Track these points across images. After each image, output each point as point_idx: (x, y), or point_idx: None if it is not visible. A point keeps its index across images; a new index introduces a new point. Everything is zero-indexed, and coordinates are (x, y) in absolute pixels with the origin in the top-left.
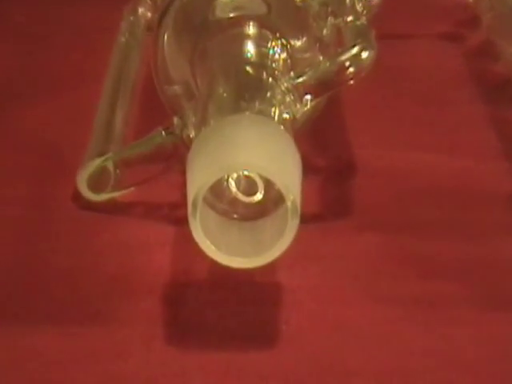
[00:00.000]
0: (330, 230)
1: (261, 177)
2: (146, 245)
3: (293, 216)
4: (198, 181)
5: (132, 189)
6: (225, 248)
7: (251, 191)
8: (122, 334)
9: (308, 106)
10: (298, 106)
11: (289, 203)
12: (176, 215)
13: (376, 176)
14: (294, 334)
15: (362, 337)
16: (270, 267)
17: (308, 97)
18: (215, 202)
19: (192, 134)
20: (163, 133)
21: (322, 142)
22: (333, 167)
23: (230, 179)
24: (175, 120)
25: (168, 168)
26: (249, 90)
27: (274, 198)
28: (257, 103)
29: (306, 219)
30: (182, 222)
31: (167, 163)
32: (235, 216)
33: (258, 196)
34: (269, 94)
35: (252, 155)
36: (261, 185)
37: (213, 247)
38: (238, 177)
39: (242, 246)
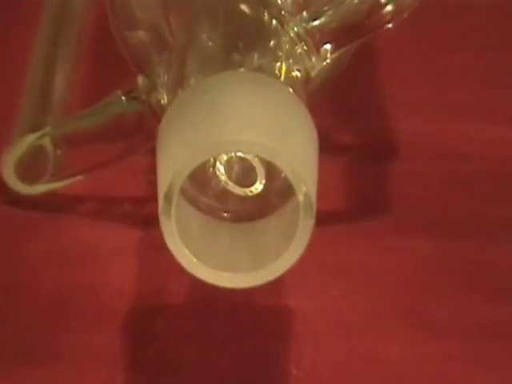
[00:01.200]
0: (357, 234)
1: (261, 160)
2: (100, 255)
3: (306, 215)
4: (173, 166)
5: (79, 177)
6: (211, 260)
7: (248, 181)
8: (65, 378)
9: (327, 60)
10: (314, 59)
11: (301, 197)
12: (141, 214)
13: (422, 158)
14: (308, 381)
15: (402, 382)
16: (275, 286)
17: (327, 47)
18: (197, 195)
19: (164, 100)
20: (123, 98)
21: (347, 112)
22: (362, 147)
23: (218, 164)
24: (140, 80)
25: (130, 148)
26: (244, 37)
27: (279, 190)
28: (255, 56)
29: (324, 219)
30: (149, 223)
31: (129, 141)
32: (225, 215)
33: (257, 187)
34: (272, 43)
35: (248, 130)
36: (261, 171)
37: (193, 258)
38: (230, 160)
39: (234, 256)
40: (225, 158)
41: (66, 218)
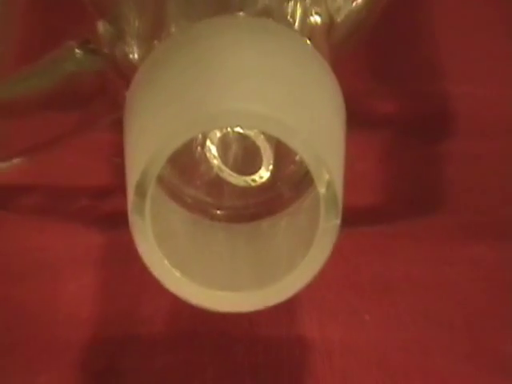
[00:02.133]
0: (398, 239)
1: (268, 139)
2: (49, 267)
3: (329, 213)
4: (147, 146)
5: (20, 161)
6: (200, 274)
7: (249, 167)
8: None
9: (358, 1)
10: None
11: (322, 189)
12: (104, 211)
13: (485, 136)
14: None
15: None
16: (287, 311)
17: None
18: (181, 186)
19: (134, 54)
20: (78, 51)
21: (384, 71)
22: (406, 118)
23: (209, 143)
24: (101, 26)
25: (87, 121)
26: None
27: (291, 180)
28: (260, 3)
29: (353, 218)
30: (114, 223)
31: (86, 111)
32: (219, 213)
33: (263, 175)
34: None
35: (251, 96)
36: (267, 154)
37: (176, 272)
38: (225, 139)
39: (232, 269)
40: (218, 135)
41: (3, 218)
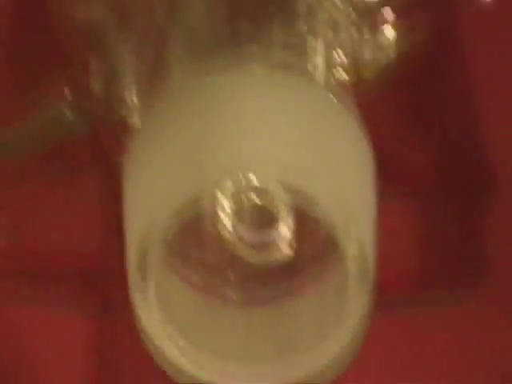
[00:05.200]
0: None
1: (289, 202)
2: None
3: (360, 289)
4: (149, 208)
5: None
6: (212, 349)
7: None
8: None
9: (391, 46)
10: (371, 46)
11: (351, 263)
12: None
13: None
14: None
15: None
16: None
17: (390, 31)
18: (188, 265)
19: (133, 98)
20: (68, 113)
21: (422, 120)
22: (449, 175)
23: (222, 215)
24: (94, 65)
25: (75, 190)
26: (259, 9)
27: (313, 256)
28: (276, 37)
29: (389, 297)
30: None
31: (73, 182)
32: (232, 296)
33: (284, 250)
34: (305, 24)
35: (268, 151)
36: (286, 219)
37: (183, 343)
38: (237, 202)
39: (246, 343)
40: (230, 207)
41: None
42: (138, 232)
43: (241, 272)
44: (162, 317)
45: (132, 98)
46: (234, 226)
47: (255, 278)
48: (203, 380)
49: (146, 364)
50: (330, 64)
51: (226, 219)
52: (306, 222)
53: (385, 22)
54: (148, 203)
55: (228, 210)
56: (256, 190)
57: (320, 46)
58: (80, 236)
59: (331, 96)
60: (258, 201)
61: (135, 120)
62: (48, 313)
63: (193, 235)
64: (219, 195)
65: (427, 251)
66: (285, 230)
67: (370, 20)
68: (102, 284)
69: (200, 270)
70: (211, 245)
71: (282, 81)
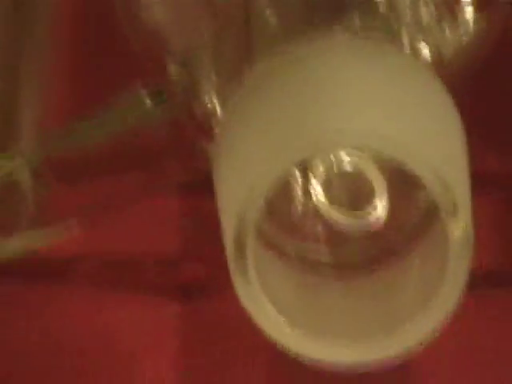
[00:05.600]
0: None
1: (385, 170)
2: (118, 345)
3: (463, 250)
4: (248, 176)
5: (74, 227)
6: (314, 326)
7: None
8: None
9: (470, 32)
10: (448, 29)
11: (452, 229)
12: (175, 281)
13: None
14: None
15: None
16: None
17: (469, 9)
18: (284, 242)
19: (213, 100)
20: (148, 100)
21: (499, 129)
22: None
23: (315, 185)
24: (173, 70)
25: (154, 181)
26: None
27: (406, 226)
28: (356, 20)
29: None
30: (189, 293)
31: (152, 170)
32: (329, 270)
33: (380, 213)
34: (384, 7)
35: (374, 118)
36: (382, 189)
37: (285, 323)
38: (330, 180)
39: (347, 319)
40: (323, 175)
41: (60, 291)
42: (235, 205)
43: (335, 239)
44: (261, 295)
45: (212, 83)
46: (327, 195)
47: (348, 254)
48: (307, 357)
49: (232, 346)
50: (413, 45)
51: (318, 184)
52: (403, 191)
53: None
54: (245, 174)
55: (322, 179)
56: (351, 160)
57: (402, 28)
58: (158, 225)
59: (420, 64)
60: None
61: (216, 105)
62: (133, 300)
63: (286, 206)
64: (314, 165)
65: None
66: (380, 202)
67: None
68: (183, 269)
69: (295, 242)
70: (304, 215)
71: (370, 48)
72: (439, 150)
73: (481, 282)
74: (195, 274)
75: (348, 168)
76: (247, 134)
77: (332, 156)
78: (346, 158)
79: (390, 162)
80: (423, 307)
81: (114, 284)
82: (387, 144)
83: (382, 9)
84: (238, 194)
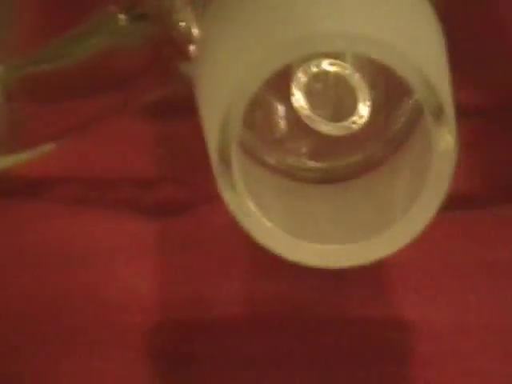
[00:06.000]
0: (495, 224)
1: (369, 78)
2: (100, 255)
3: (443, 134)
4: (230, 79)
5: (49, 147)
6: (292, 226)
7: (342, 115)
8: None
9: None
10: None
11: (440, 128)
12: (150, 201)
13: None
14: None
15: None
16: (378, 293)
17: None
18: (263, 149)
19: (188, 20)
20: (121, 17)
21: (467, 58)
22: (492, 109)
23: (296, 91)
24: None
25: (129, 100)
26: None
27: (387, 133)
28: None
29: (445, 204)
30: (163, 213)
31: (127, 89)
32: (308, 175)
33: (362, 113)
34: None
35: (359, 20)
36: (364, 92)
37: (268, 223)
38: (312, 86)
39: (329, 222)
40: (304, 79)
41: (42, 208)
42: (219, 107)
43: (316, 147)
44: (247, 200)
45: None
46: (308, 100)
47: (331, 153)
48: (296, 261)
49: (208, 257)
50: None
51: (301, 93)
52: (388, 99)
53: None
54: (227, 80)
55: (303, 83)
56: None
57: None
58: (134, 148)
59: None
60: (332, 71)
61: (191, 23)
62: (109, 219)
63: (268, 112)
64: (296, 70)
65: (483, 166)
66: (362, 100)
67: None
68: (159, 189)
69: (276, 151)
70: (285, 121)
71: None
72: (424, 52)
73: (455, 204)
74: (171, 194)
75: (331, 76)
76: (227, 39)
77: (314, 66)
78: (328, 67)
79: (376, 66)
80: (407, 211)
81: (91, 204)
82: (373, 46)
83: None
84: (221, 100)
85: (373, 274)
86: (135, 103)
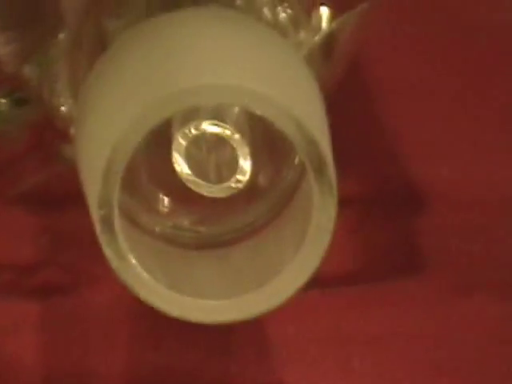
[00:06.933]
0: (376, 298)
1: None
2: None
3: (324, 192)
4: (115, 128)
5: None
6: (176, 285)
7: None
8: None
9: (322, 33)
10: (303, 31)
11: (312, 168)
12: (32, 284)
13: (444, 207)
14: None
15: None
16: (264, 362)
17: (324, 10)
18: (140, 209)
19: (68, 102)
20: (3, 101)
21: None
22: (372, 197)
23: (176, 154)
24: (27, 69)
25: (12, 185)
26: None
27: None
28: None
29: (328, 282)
30: (46, 294)
31: (14, 172)
32: (188, 237)
33: (243, 175)
34: (241, 3)
35: (230, 71)
36: (244, 152)
37: (148, 277)
38: (192, 149)
39: (211, 281)
40: (184, 143)
41: None
42: (99, 168)
43: (199, 214)
44: (133, 264)
45: (67, 83)
46: (189, 163)
47: (212, 221)
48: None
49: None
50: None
51: (182, 157)
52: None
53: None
54: (103, 142)
55: (183, 147)
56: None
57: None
58: (14, 236)
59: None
60: (214, 130)
61: (71, 105)
62: None
63: (149, 179)
64: (176, 134)
65: (363, 248)
66: (243, 160)
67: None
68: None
69: (158, 217)
70: (167, 188)
71: (228, 14)
72: (303, 106)
73: (332, 282)
74: (53, 277)
75: (211, 138)
76: (104, 100)
77: (193, 129)
78: (208, 128)
79: (259, 126)
80: (289, 265)
81: None
82: (249, 97)
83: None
84: (101, 160)
85: (257, 339)
86: (16, 189)
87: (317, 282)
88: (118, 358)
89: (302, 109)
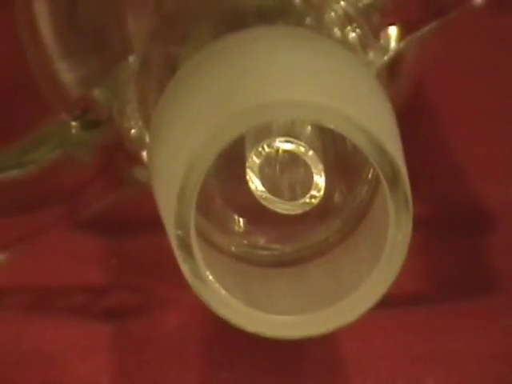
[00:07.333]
0: (446, 317)
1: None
2: (50, 355)
3: (403, 217)
4: (189, 148)
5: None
6: (255, 301)
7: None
8: None
9: (391, 53)
10: (371, 51)
11: (395, 192)
12: (103, 306)
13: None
14: None
15: None
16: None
17: (392, 31)
18: (215, 230)
19: (139, 123)
20: (74, 125)
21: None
22: (440, 219)
23: (251, 174)
24: (98, 93)
25: (76, 211)
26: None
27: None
28: None
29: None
30: (118, 316)
31: (73, 201)
32: (263, 255)
33: (315, 194)
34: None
35: (311, 90)
36: (319, 169)
37: (228, 296)
38: (267, 169)
39: (289, 297)
40: (256, 160)
41: None
42: (175, 186)
43: (272, 235)
44: (212, 283)
45: (138, 106)
46: (263, 181)
47: (287, 238)
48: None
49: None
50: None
51: (256, 175)
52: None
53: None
54: (178, 163)
55: (257, 165)
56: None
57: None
58: (83, 259)
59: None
60: (288, 147)
61: (142, 129)
62: (62, 325)
63: (224, 200)
64: (249, 152)
65: (430, 269)
66: (318, 176)
67: (373, 22)
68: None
69: (234, 238)
70: (241, 208)
71: (298, 32)
72: (374, 118)
73: (401, 302)
74: (123, 300)
75: (285, 155)
76: (178, 117)
77: (267, 146)
78: (281, 145)
79: (333, 142)
80: (364, 282)
81: (43, 311)
82: (323, 113)
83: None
84: (176, 178)
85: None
86: (86, 213)
87: (385, 301)
88: (191, 379)
89: (377, 124)
